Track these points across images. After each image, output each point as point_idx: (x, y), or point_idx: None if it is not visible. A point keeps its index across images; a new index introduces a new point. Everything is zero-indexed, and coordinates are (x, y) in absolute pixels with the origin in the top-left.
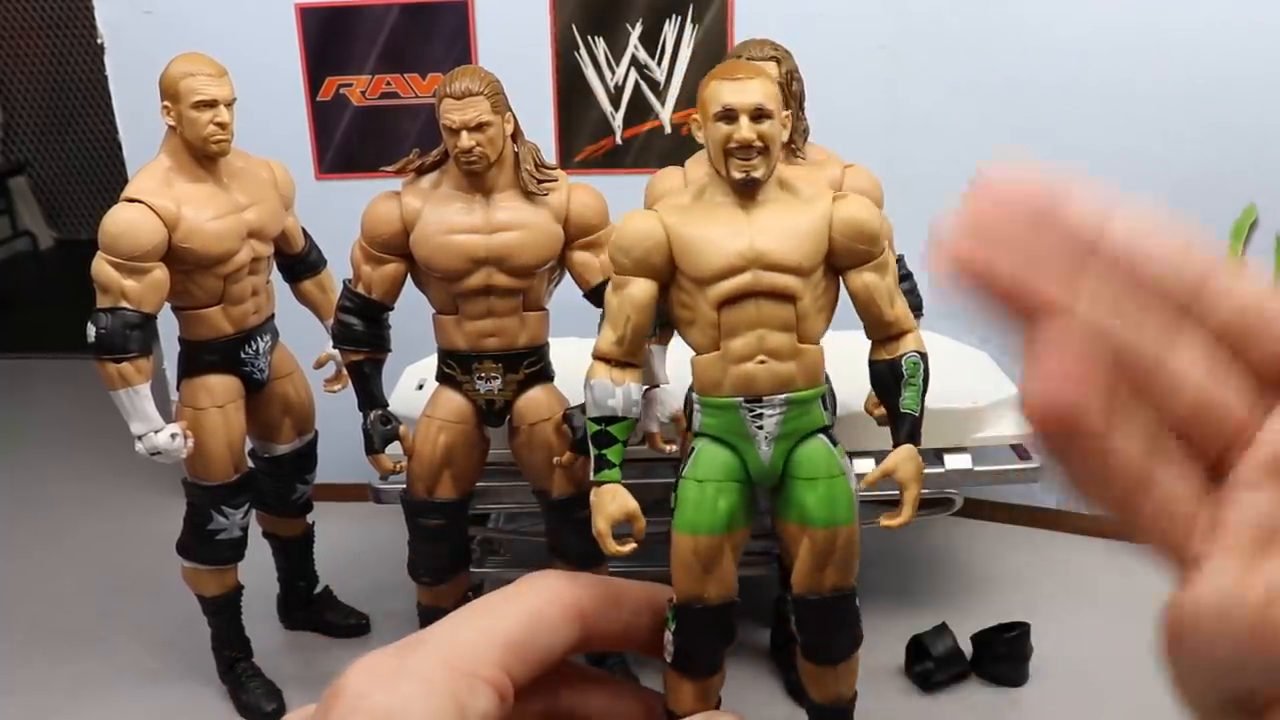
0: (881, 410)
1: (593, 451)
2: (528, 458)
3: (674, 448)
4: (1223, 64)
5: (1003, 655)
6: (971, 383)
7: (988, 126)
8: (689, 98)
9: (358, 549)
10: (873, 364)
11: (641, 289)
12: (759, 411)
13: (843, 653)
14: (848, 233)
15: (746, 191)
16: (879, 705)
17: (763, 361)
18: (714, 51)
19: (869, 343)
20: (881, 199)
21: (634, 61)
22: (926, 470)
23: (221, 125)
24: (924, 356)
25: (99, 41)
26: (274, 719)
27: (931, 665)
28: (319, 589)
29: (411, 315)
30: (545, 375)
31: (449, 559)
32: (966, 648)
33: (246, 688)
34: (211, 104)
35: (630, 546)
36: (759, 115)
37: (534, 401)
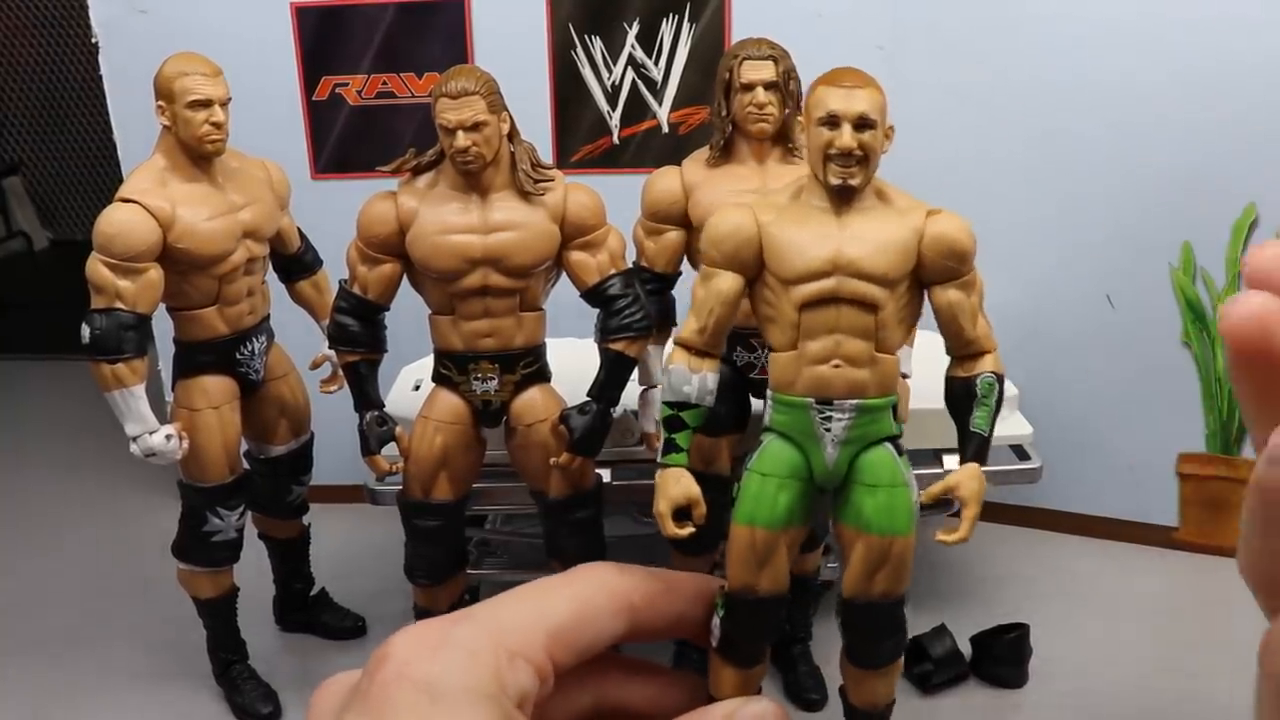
0: None
1: (662, 435)
2: (524, 459)
3: None
4: (1222, 63)
5: (1002, 657)
6: None
7: (985, 127)
8: (686, 97)
9: (354, 551)
10: (949, 380)
11: (728, 282)
12: (828, 414)
13: (885, 658)
14: (938, 249)
15: (842, 198)
16: None
17: (837, 366)
18: (711, 51)
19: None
20: None
21: (631, 61)
22: (926, 471)
23: (216, 125)
24: (1000, 379)
25: (93, 41)
26: None
27: (931, 666)
28: (315, 591)
29: (407, 316)
30: (542, 376)
31: (446, 560)
32: (966, 649)
33: (242, 690)
34: (206, 103)
35: (689, 530)
36: (862, 124)
37: (531, 402)
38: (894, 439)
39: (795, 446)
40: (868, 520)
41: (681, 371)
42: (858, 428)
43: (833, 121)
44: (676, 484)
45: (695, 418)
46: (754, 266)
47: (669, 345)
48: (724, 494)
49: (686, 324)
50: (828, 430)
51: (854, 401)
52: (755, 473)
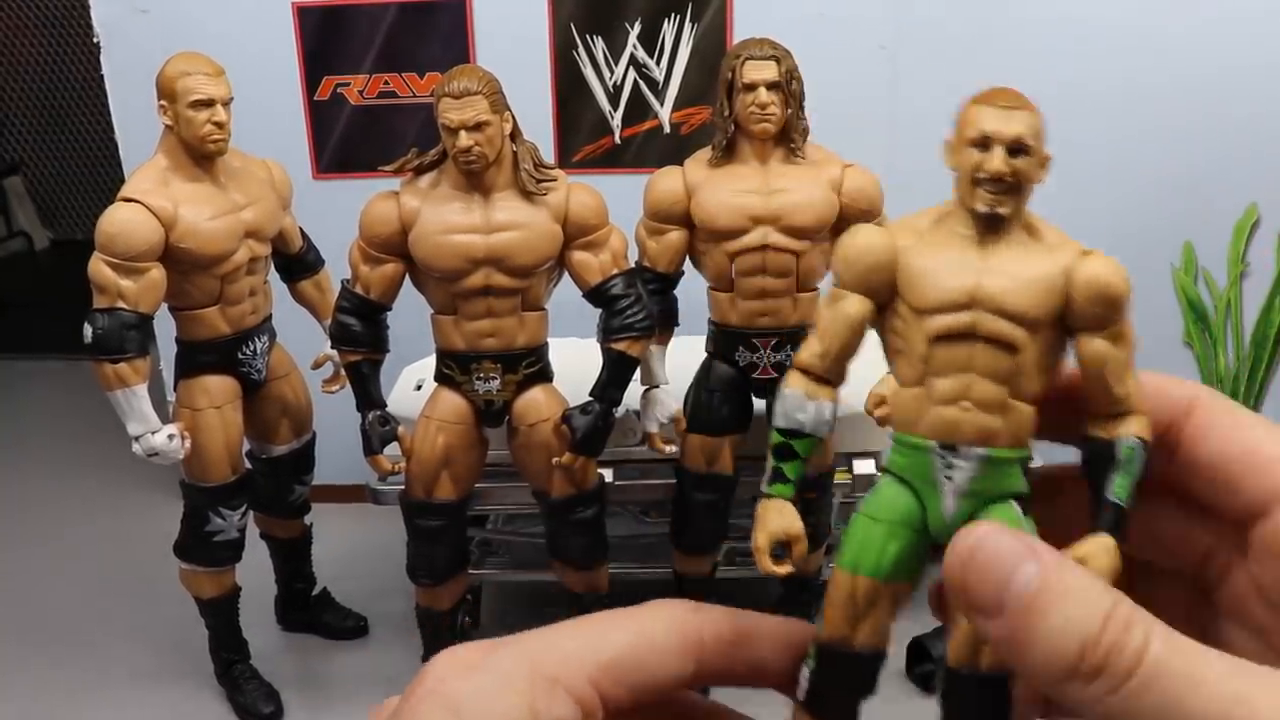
0: (883, 410)
1: (770, 462)
2: (526, 459)
3: (673, 449)
4: (1223, 64)
5: None
6: None
7: None
8: (688, 97)
9: (356, 550)
10: (1088, 439)
11: (856, 306)
12: (951, 461)
13: None
14: (1087, 293)
15: (989, 227)
16: (879, 707)
17: (966, 409)
18: (713, 51)
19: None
20: (880, 198)
21: (633, 61)
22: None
23: (218, 124)
24: (1146, 445)
25: (95, 40)
26: None
27: (933, 666)
28: (317, 590)
29: (410, 315)
30: (544, 376)
31: (447, 560)
32: None
33: (244, 689)
34: (208, 103)
35: (787, 569)
36: (1017, 149)
37: (533, 402)
38: (1020, 496)
39: (912, 492)
40: None
41: (797, 397)
42: (982, 480)
43: (984, 143)
44: (780, 516)
45: (807, 448)
46: (885, 292)
47: (789, 375)
48: (725, 495)
49: (807, 346)
50: (949, 479)
51: (981, 450)
52: (864, 516)
